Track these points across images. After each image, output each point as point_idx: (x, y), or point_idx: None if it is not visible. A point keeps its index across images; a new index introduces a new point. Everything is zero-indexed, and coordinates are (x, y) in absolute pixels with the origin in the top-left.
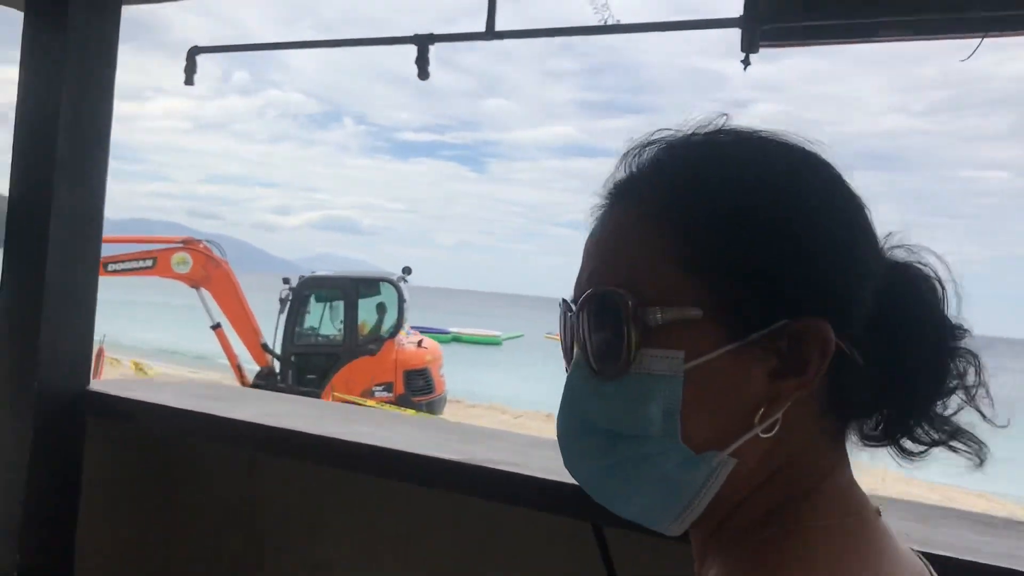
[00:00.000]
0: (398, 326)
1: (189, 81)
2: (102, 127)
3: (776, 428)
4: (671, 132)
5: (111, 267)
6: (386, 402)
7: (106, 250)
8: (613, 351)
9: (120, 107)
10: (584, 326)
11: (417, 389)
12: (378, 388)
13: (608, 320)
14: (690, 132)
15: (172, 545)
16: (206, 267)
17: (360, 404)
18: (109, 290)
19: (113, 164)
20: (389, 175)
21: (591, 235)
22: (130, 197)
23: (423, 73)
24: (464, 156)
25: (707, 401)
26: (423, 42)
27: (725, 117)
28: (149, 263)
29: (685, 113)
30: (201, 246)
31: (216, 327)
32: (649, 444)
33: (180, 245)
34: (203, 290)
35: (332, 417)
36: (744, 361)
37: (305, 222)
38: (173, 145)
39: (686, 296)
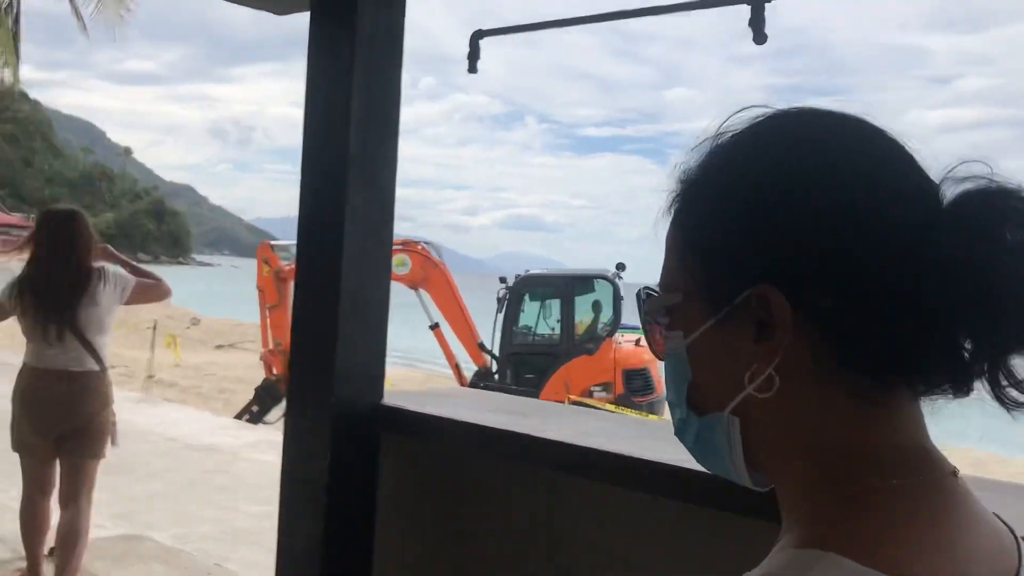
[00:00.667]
0: (615, 324)
1: (472, 69)
2: (391, 126)
3: (775, 387)
4: (709, 135)
5: None
6: (606, 403)
7: None
8: (651, 337)
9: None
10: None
11: (637, 389)
12: (597, 388)
13: (640, 314)
14: (716, 134)
15: (469, 570)
16: (425, 268)
17: (589, 405)
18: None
19: None
20: (571, 172)
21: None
22: None
23: (759, 36)
24: (646, 149)
25: (704, 370)
26: (758, 1)
27: (765, 109)
28: None
29: (880, 92)
30: (419, 247)
31: (434, 327)
32: (681, 413)
33: (399, 247)
34: (421, 291)
35: (643, 435)
36: (728, 331)
37: (492, 222)
38: None
39: (679, 283)
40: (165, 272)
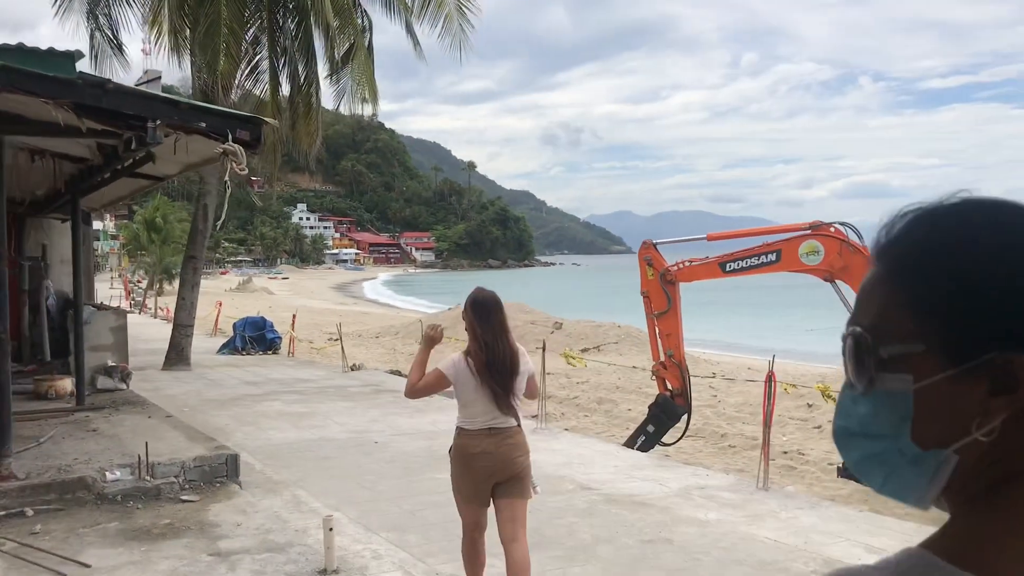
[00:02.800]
0: None
1: None
2: None
3: (995, 433)
4: (918, 205)
5: (730, 267)
6: None
7: (706, 250)
8: (863, 373)
9: (639, 110)
10: (847, 354)
11: None
12: None
13: (858, 352)
14: (933, 206)
15: None
16: (842, 255)
17: None
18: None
19: (637, 164)
20: (916, 130)
21: (861, 286)
22: (656, 192)
23: None
24: (1007, 94)
25: (933, 412)
26: None
27: (966, 192)
28: (772, 257)
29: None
30: (832, 230)
31: None
32: (890, 442)
33: (807, 232)
34: (839, 282)
35: None
36: (963, 382)
37: (830, 192)
38: (691, 137)
39: (913, 334)
40: (514, 275)
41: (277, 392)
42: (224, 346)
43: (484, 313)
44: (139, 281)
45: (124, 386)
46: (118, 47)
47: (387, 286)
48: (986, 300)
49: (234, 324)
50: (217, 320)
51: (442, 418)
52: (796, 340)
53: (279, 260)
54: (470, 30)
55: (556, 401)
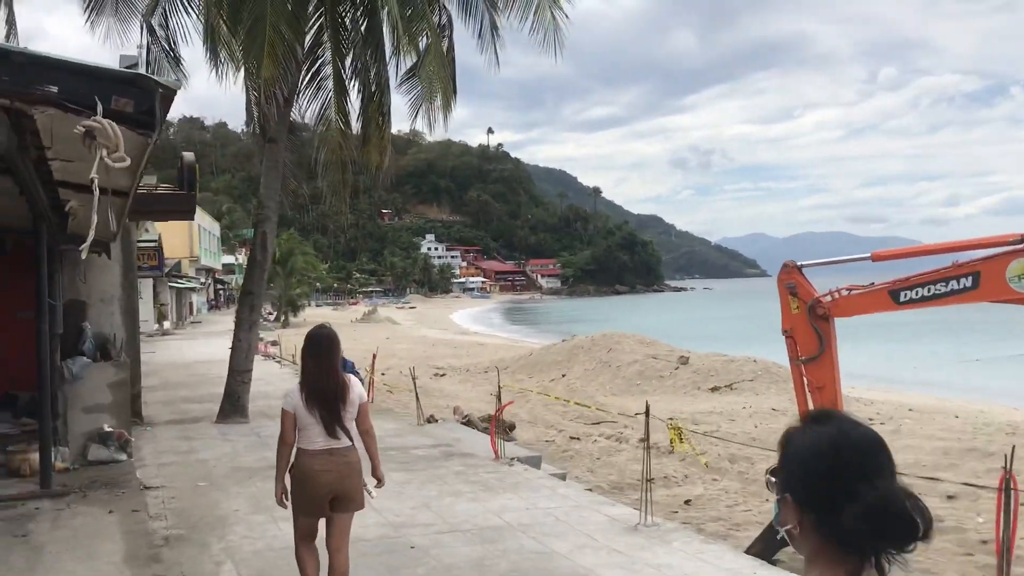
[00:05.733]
0: None
1: None
2: None
3: (796, 531)
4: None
5: (906, 296)
6: None
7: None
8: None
9: (771, 130)
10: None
11: None
12: None
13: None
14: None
15: None
16: None
17: None
18: None
19: (770, 185)
20: None
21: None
22: (791, 213)
23: None
24: None
25: (783, 516)
26: None
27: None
28: (967, 282)
29: None
30: None
31: None
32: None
33: (1018, 246)
34: None
35: None
36: (787, 505)
37: (980, 209)
38: (826, 156)
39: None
40: (640, 300)
41: None
42: None
43: (314, 349)
44: (269, 314)
45: (123, 456)
46: (175, 60)
47: (502, 315)
48: (791, 477)
49: None
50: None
51: (514, 503)
52: (954, 372)
53: (408, 290)
54: (564, 20)
55: (677, 459)
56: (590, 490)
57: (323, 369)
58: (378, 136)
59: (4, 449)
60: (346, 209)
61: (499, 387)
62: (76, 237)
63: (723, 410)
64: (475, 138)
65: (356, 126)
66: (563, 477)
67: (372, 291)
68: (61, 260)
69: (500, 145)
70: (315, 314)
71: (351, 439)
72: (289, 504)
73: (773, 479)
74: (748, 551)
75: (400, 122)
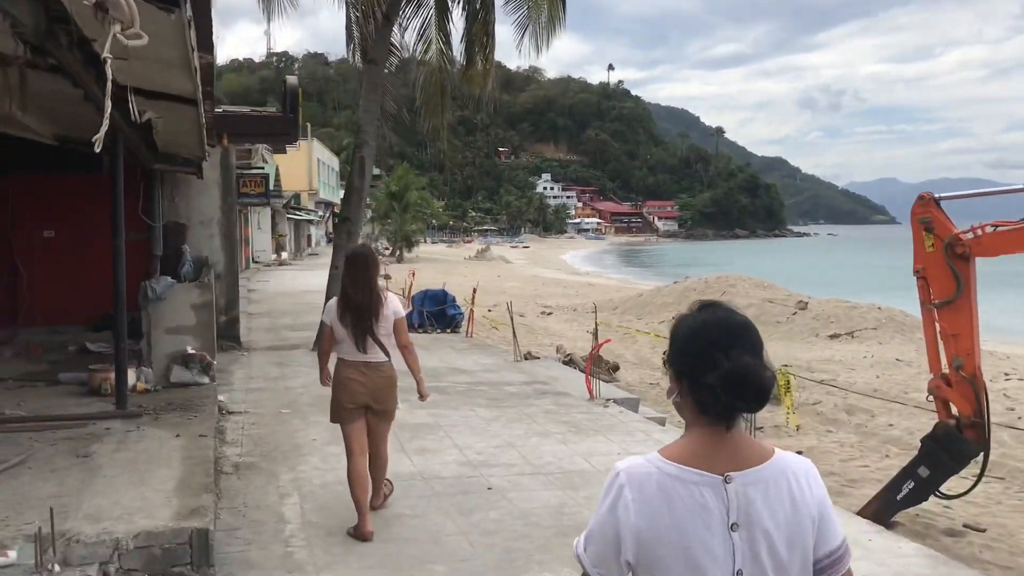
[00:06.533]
0: None
1: None
2: None
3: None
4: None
5: None
6: None
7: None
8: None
9: (908, 69)
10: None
11: None
12: None
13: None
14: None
15: None
16: None
17: None
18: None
19: (904, 127)
20: None
21: None
22: (925, 158)
23: None
24: None
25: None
26: None
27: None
28: None
29: None
30: None
31: None
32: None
33: None
34: None
35: None
36: (673, 380)
37: None
38: (967, 97)
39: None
40: (761, 245)
41: (414, 389)
42: None
43: (351, 266)
44: (386, 250)
45: (205, 379)
46: None
47: (615, 257)
48: (673, 351)
49: (412, 297)
50: (409, 292)
51: (604, 446)
52: None
53: (523, 229)
54: None
55: (801, 412)
56: None
57: (358, 285)
58: (483, 57)
59: (88, 367)
60: (444, 135)
61: (596, 324)
62: (170, 156)
63: (842, 359)
64: (595, 76)
65: (459, 48)
66: (662, 422)
67: (487, 230)
68: (162, 181)
69: (620, 83)
70: (429, 250)
71: (387, 354)
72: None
73: (664, 358)
74: (862, 512)
75: (506, 56)
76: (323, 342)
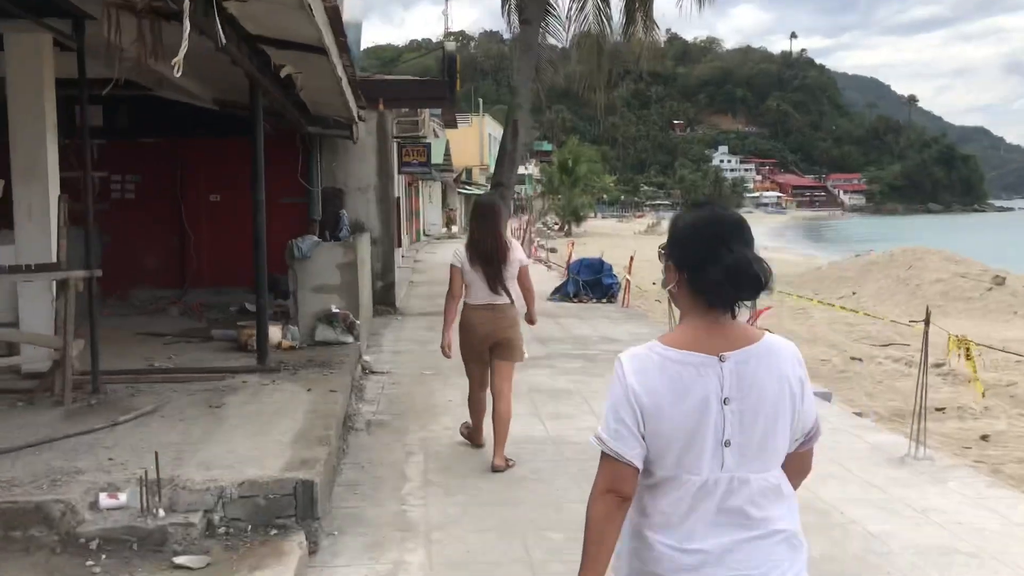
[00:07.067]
0: None
1: None
2: None
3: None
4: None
5: None
6: None
7: None
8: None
9: None
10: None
11: None
12: None
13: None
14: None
15: None
16: None
17: None
18: None
19: None
20: None
21: None
22: None
23: None
24: None
25: (667, 276)
26: None
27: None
28: None
29: None
30: None
31: None
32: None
33: None
34: None
35: None
36: (671, 269)
37: None
38: None
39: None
40: (955, 220)
41: (561, 356)
42: (556, 291)
43: (478, 214)
44: (555, 224)
45: (349, 338)
46: None
47: (796, 231)
48: (672, 245)
49: (568, 266)
50: (568, 262)
51: None
52: None
53: None
54: None
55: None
56: (859, 414)
57: (486, 231)
58: (643, 14)
59: (236, 324)
60: (601, 98)
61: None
62: (322, 119)
63: (1018, 336)
64: (777, 45)
65: (617, 5)
66: (828, 398)
67: (659, 204)
68: (320, 148)
69: (804, 51)
70: (599, 225)
71: (510, 297)
72: (452, 354)
73: (662, 251)
74: None
75: (681, 27)
76: (453, 287)
